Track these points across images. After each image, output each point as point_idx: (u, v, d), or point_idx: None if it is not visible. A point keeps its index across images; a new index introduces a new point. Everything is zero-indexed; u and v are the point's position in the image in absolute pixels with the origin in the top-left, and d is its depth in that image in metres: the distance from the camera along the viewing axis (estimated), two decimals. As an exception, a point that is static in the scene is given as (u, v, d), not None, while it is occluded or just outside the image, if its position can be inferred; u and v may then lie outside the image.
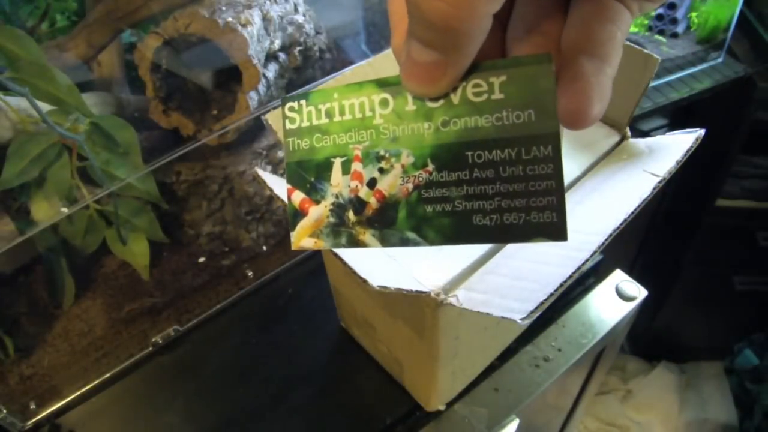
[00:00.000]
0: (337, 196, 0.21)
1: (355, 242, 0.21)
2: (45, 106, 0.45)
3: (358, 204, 0.21)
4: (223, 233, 0.58)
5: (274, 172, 0.58)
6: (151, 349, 0.53)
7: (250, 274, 0.58)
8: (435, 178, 0.19)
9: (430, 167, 0.19)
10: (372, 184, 0.20)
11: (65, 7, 0.54)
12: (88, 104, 0.47)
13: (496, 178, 0.18)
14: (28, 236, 0.46)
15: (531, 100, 0.18)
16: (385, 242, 0.20)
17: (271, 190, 0.34)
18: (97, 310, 0.55)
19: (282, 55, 0.58)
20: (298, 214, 0.22)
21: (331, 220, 0.21)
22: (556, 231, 0.18)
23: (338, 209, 0.21)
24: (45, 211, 0.47)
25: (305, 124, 0.21)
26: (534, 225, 0.18)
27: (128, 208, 0.52)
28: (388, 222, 0.20)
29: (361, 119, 0.20)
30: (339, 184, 0.21)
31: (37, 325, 0.54)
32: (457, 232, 0.19)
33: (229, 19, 0.50)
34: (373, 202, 0.20)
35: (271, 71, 0.55)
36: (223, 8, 0.51)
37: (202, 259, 0.59)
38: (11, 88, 0.42)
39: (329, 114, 0.21)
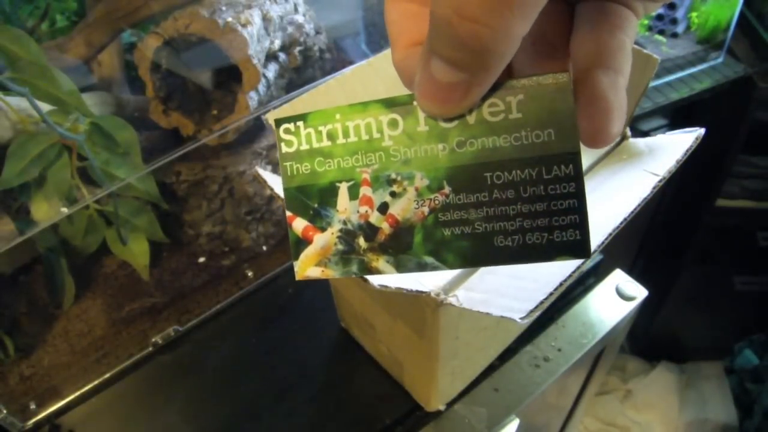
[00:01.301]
0: (345, 223, 0.20)
1: (367, 269, 0.20)
2: (45, 106, 0.45)
3: (369, 230, 0.20)
4: (223, 233, 0.59)
5: (274, 172, 0.58)
6: (151, 349, 0.53)
7: (250, 274, 0.58)
8: (452, 201, 0.19)
9: (447, 190, 0.19)
10: (383, 208, 0.20)
11: (65, 7, 0.54)
12: (88, 104, 0.47)
13: (517, 198, 0.18)
14: (28, 236, 0.46)
15: (550, 119, 0.17)
16: (401, 268, 0.20)
17: (272, 190, 0.34)
18: (97, 310, 0.55)
19: (282, 55, 0.58)
20: (302, 242, 0.21)
21: (340, 247, 0.20)
22: (580, 249, 0.18)
23: (347, 236, 0.20)
24: (45, 211, 0.47)
25: (304, 147, 0.20)
26: (557, 244, 0.18)
27: (128, 208, 0.52)
28: (404, 247, 0.19)
29: (368, 141, 0.19)
30: (346, 209, 0.20)
31: (37, 325, 0.54)
32: (478, 254, 0.19)
33: (229, 19, 0.50)
34: (385, 227, 0.20)
35: (271, 71, 0.55)
36: (223, 8, 0.51)
37: (202, 259, 0.59)
38: (11, 88, 0.42)
39: (332, 136, 0.20)
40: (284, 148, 0.21)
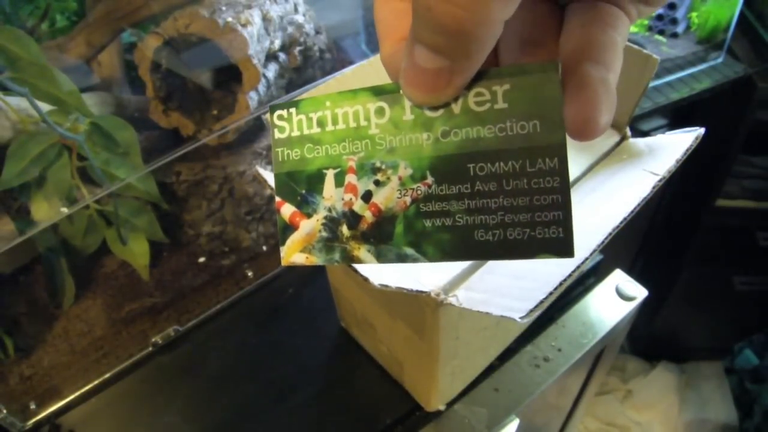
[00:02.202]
0: (329, 210, 0.20)
1: (349, 258, 0.20)
2: (45, 106, 0.45)
3: (353, 218, 0.20)
4: (223, 233, 0.58)
5: (274, 172, 0.58)
6: (151, 349, 0.53)
7: (250, 274, 0.58)
8: (434, 192, 0.18)
9: (429, 180, 0.18)
10: (367, 197, 0.19)
11: (65, 7, 0.54)
12: (88, 104, 0.47)
13: (499, 191, 0.18)
14: (28, 236, 0.46)
15: (536, 110, 0.17)
16: (381, 258, 0.19)
17: (272, 189, 0.34)
18: (97, 310, 0.55)
19: (282, 55, 0.58)
20: (289, 228, 0.21)
21: (324, 234, 0.20)
22: (563, 247, 0.17)
23: (331, 223, 0.20)
24: (45, 211, 0.47)
25: (295, 133, 0.20)
26: (539, 241, 0.17)
27: (128, 208, 0.52)
28: (385, 237, 0.19)
29: (356, 129, 0.19)
30: (332, 196, 0.20)
31: (37, 325, 0.54)
32: (458, 248, 0.18)
33: (229, 19, 0.50)
34: (368, 215, 0.19)
35: (271, 71, 0.56)
36: (223, 8, 0.51)
37: (202, 259, 0.59)
38: (11, 88, 0.42)
39: (321, 123, 0.20)
40: (277, 134, 0.21)
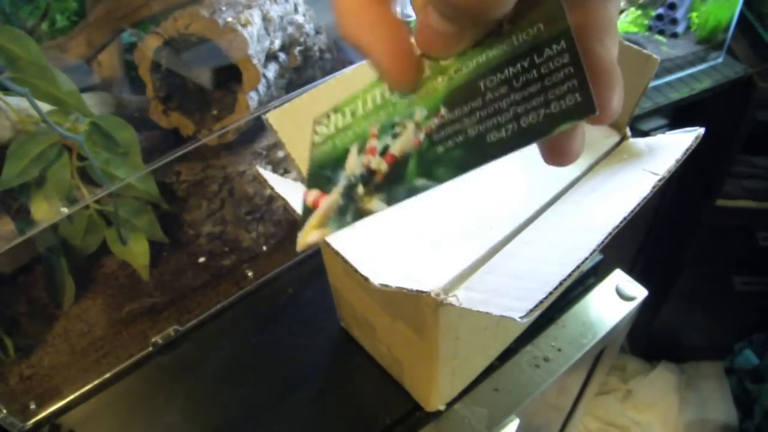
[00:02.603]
0: (348, 178, 0.20)
1: (360, 214, 0.19)
2: (45, 106, 0.45)
3: (368, 175, 0.19)
4: (223, 233, 0.58)
5: (274, 172, 0.58)
6: (151, 349, 0.53)
7: (250, 274, 0.58)
8: (447, 120, 0.18)
9: (443, 111, 0.18)
10: (384, 151, 0.19)
11: (65, 7, 0.54)
12: (88, 104, 0.47)
13: (509, 91, 0.17)
14: (28, 236, 0.46)
15: (538, 16, 0.17)
16: (392, 201, 0.19)
17: (272, 189, 0.34)
18: (97, 310, 0.55)
19: (282, 55, 0.58)
20: (310, 211, 0.20)
21: (341, 202, 0.20)
22: (584, 108, 0.16)
23: (349, 189, 0.20)
24: (45, 211, 0.47)
25: (331, 131, 0.21)
26: (556, 115, 0.16)
27: (128, 208, 0.52)
28: (398, 180, 0.19)
29: (382, 104, 0.20)
30: (354, 165, 0.20)
31: (37, 325, 0.54)
32: (471, 158, 0.17)
33: (229, 19, 0.50)
34: (383, 167, 0.19)
35: (271, 71, 0.56)
36: (223, 8, 0.51)
37: (202, 259, 0.59)
38: (11, 88, 0.42)
39: (354, 112, 0.20)
40: (315, 139, 0.21)
